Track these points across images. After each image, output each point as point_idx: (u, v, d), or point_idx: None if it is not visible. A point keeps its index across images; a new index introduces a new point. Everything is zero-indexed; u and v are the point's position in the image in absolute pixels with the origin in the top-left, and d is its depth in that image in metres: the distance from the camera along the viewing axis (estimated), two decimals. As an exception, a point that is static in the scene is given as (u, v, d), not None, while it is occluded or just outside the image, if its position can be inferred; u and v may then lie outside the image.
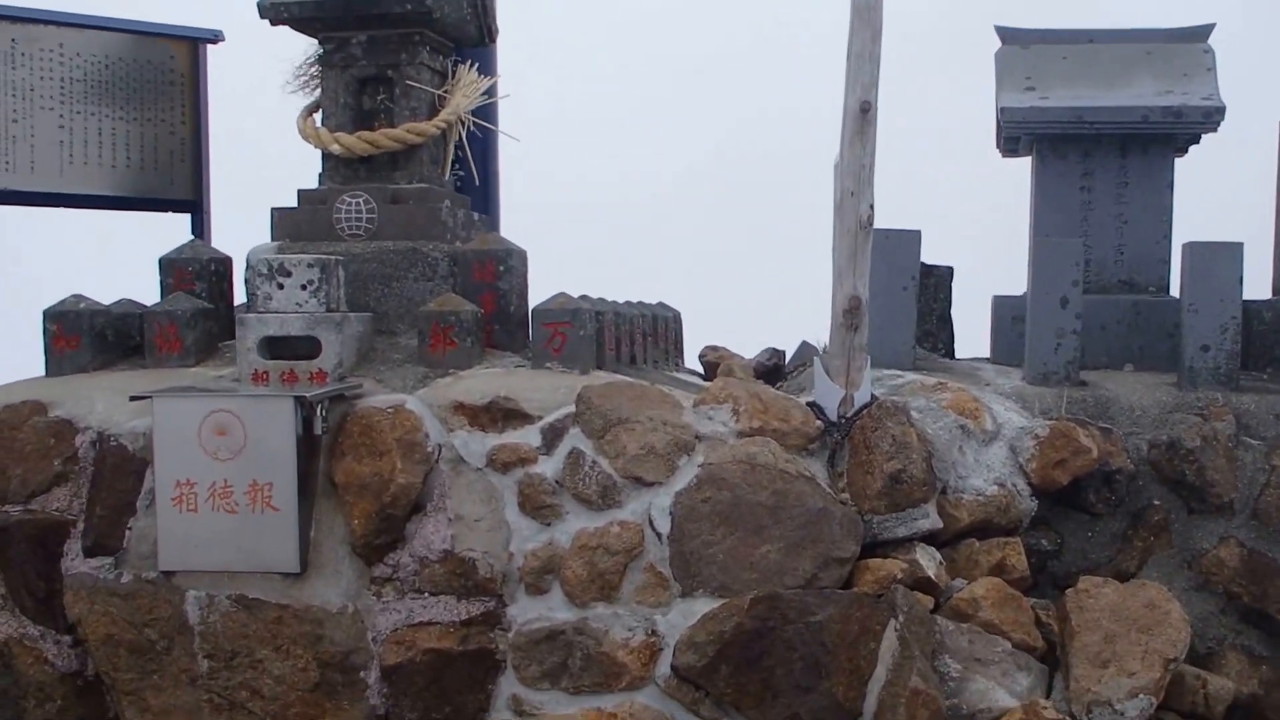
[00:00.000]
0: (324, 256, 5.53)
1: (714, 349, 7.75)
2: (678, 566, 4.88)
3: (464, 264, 5.88)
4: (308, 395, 4.86)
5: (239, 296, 6.20)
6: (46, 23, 6.98)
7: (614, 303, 6.52)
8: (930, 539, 5.20)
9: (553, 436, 5.08)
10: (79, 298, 5.78)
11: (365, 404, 5.16)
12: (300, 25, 6.39)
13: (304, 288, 5.47)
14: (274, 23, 6.34)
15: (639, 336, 6.50)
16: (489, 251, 5.86)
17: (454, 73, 6.67)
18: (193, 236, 7.37)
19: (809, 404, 5.47)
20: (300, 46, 6.53)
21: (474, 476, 5.06)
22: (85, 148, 7.11)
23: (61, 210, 7.13)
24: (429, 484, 5.02)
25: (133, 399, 4.94)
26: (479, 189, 6.99)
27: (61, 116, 7.05)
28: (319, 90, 6.65)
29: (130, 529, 5.02)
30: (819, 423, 5.36)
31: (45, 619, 5.04)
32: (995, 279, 7.53)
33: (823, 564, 4.91)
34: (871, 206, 5.42)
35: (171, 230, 7.32)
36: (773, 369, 7.11)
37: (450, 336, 5.55)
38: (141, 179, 7.28)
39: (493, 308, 5.83)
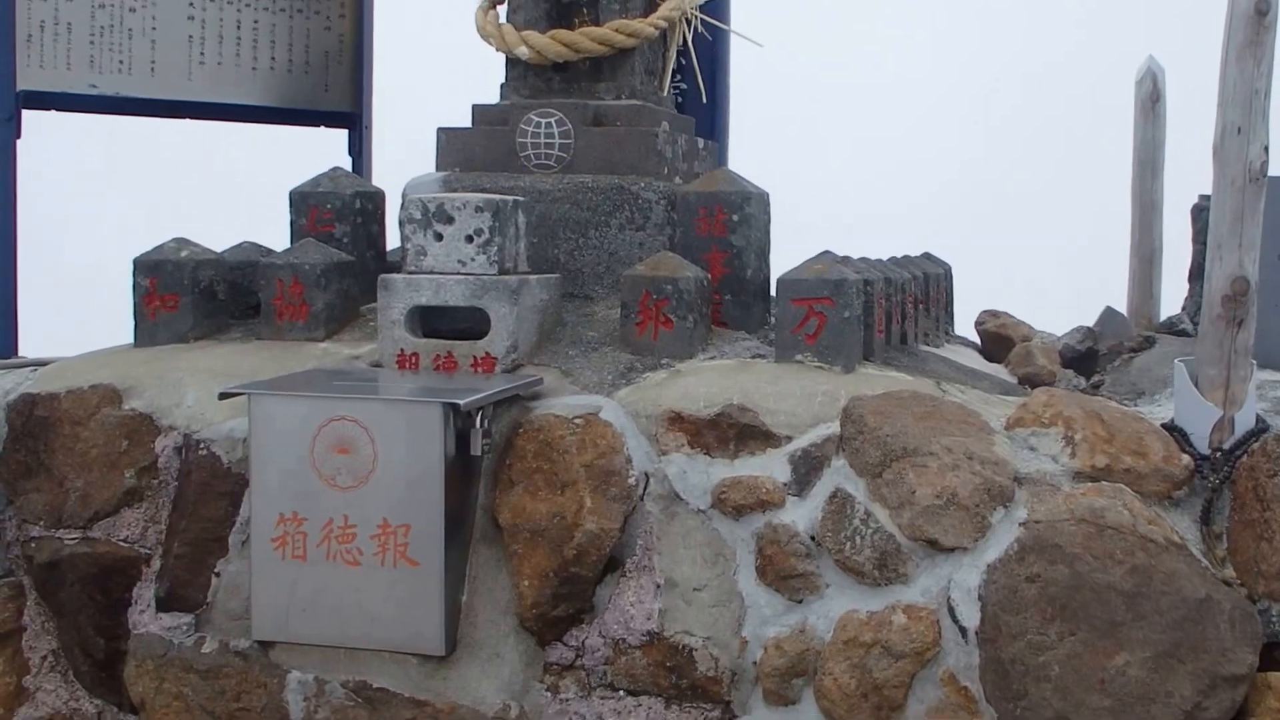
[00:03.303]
0: (497, 197, 4.05)
1: (994, 315, 6.10)
2: (991, 681, 3.30)
3: (686, 210, 4.33)
4: (461, 403, 3.38)
5: (392, 240, 4.79)
6: (173, -116, 5.59)
7: (879, 262, 4.90)
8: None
9: (807, 469, 3.52)
10: (181, 242, 4.41)
11: (544, 409, 3.68)
12: (483, -107, 4.89)
13: (470, 240, 4.00)
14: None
15: (910, 307, 4.88)
16: (719, 194, 4.30)
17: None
18: (349, 159, 5.97)
19: (1168, 428, 3.78)
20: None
21: (694, 522, 3.55)
22: (219, 45, 5.73)
23: (185, 122, 5.75)
24: (630, 531, 3.54)
25: (222, 396, 3.54)
26: (705, 108, 5.40)
27: (191, 4, 5.67)
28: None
29: (218, 575, 3.66)
30: (1185, 457, 3.68)
31: (105, 689, 3.74)
32: None
33: (1208, 686, 3.28)
34: (1266, 149, 3.69)
35: (319, 150, 5.90)
36: (1085, 355, 5.39)
37: (665, 313, 4.02)
38: (289, 85, 5.88)
39: (723, 271, 4.29)
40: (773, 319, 4.20)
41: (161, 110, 5.63)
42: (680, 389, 3.74)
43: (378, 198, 4.78)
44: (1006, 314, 6.06)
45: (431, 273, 4.02)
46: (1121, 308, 6.13)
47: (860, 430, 3.49)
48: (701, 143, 5.11)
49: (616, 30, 4.76)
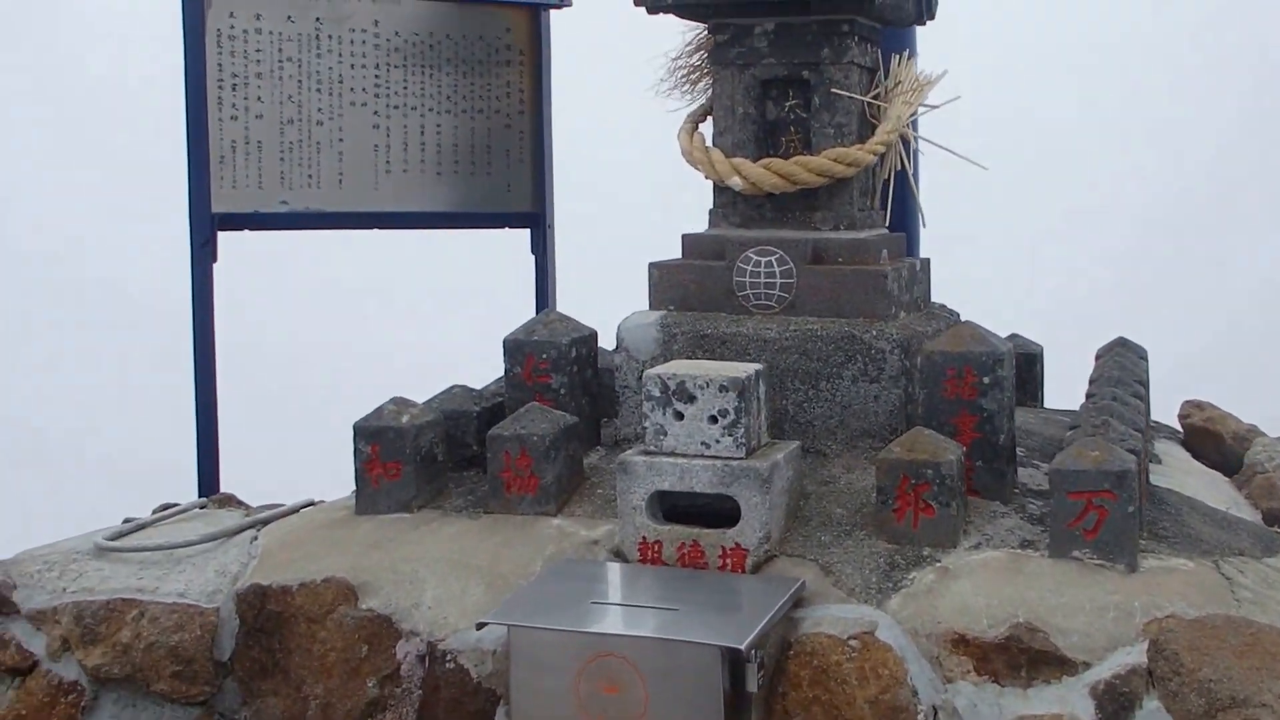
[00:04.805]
0: (741, 373, 3.82)
1: (1199, 407, 5.81)
2: None
3: (931, 370, 4.06)
4: (743, 647, 3.16)
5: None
6: (359, -6, 5.40)
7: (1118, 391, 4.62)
8: None
9: (1115, 708, 3.27)
10: (400, 405, 4.23)
11: (813, 625, 3.46)
12: (687, 12, 4.65)
13: (714, 420, 3.78)
14: (652, 11, 4.61)
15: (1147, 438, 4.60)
16: (969, 355, 4.03)
17: (884, 67, 4.81)
18: (532, 257, 5.77)
19: None
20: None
21: (987, 761, 3.31)
22: (405, 151, 5.55)
23: (368, 232, 5.58)
24: (918, 771, 3.30)
25: (479, 626, 3.36)
26: (898, 226, 5.10)
27: (376, 114, 5.49)
28: (699, 87, 4.93)
29: (473, 813, 3.49)
30: None
31: None
32: None
33: None
34: None
35: (502, 250, 5.70)
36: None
37: (925, 500, 3.77)
38: (473, 187, 5.69)
39: (973, 437, 4.02)
40: (1020, 481, 3.95)
41: (350, 222, 5.47)
42: (956, 599, 3.49)
43: (592, 341, 4.57)
44: (1211, 405, 5.76)
45: (674, 454, 3.80)
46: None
47: (1176, 670, 3.22)
48: (917, 264, 4.83)
49: (835, 160, 4.50)
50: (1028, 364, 5.40)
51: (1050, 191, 8.35)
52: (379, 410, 4.23)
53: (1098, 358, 5.64)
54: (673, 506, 3.86)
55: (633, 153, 5.87)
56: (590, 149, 6.62)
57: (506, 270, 5.30)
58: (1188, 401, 5.83)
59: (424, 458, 4.19)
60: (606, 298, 4.87)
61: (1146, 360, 5.58)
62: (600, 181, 6.74)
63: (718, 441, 3.78)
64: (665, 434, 3.82)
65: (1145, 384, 5.16)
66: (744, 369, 3.87)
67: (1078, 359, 5.30)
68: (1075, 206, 8.59)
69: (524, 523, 4.02)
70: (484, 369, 4.99)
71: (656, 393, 3.82)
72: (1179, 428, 5.71)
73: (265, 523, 4.32)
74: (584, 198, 6.21)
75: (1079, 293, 8.16)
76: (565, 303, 5.52)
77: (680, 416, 3.81)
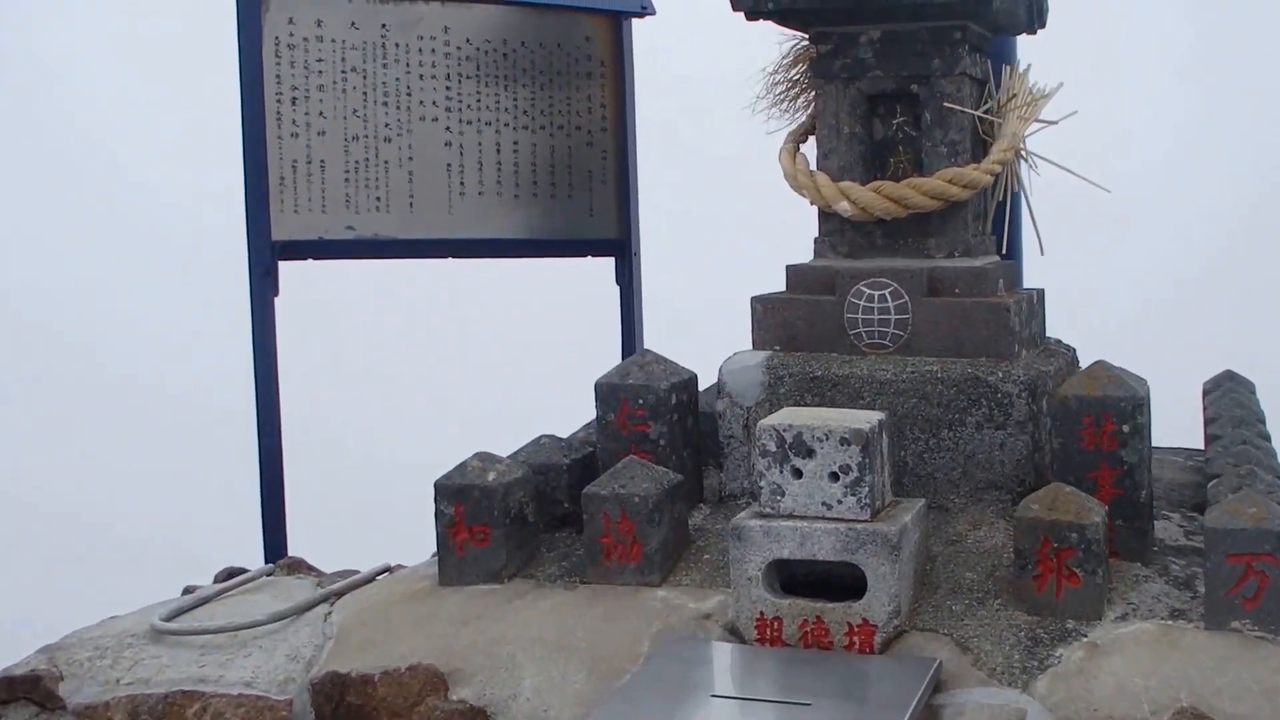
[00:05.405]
0: (865, 423, 3.50)
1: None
2: None
3: (1064, 417, 3.73)
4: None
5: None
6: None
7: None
8: None
9: (1295, 810, 2.94)
10: (486, 461, 3.92)
11: (955, 713, 3.15)
12: (788, 18, 4.32)
13: (835, 477, 3.47)
14: (751, 16, 4.28)
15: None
16: (1107, 401, 3.70)
17: (995, 79, 4.48)
18: (616, 288, 5.45)
19: None
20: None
21: None
22: (480, 171, 5.23)
23: (441, 261, 5.26)
24: None
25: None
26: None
27: (449, 129, 5.18)
28: (799, 103, 4.61)
29: None
30: None
31: None
32: None
33: None
34: None
35: (587, 277, 5.38)
36: None
37: (1069, 566, 3.45)
38: (554, 211, 5.36)
39: (1113, 493, 3.70)
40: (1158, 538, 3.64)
41: (421, 250, 5.15)
42: (1111, 680, 3.17)
43: (693, 385, 4.26)
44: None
45: (791, 516, 3.49)
46: None
47: (1370, 774, 2.89)
48: (1034, 295, 4.50)
49: (950, 181, 4.18)
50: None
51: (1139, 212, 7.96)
52: (462, 466, 3.92)
53: (1206, 393, 5.32)
54: (790, 574, 3.56)
55: (725, 174, 5.50)
56: (679, 170, 6.25)
57: (590, 301, 4.95)
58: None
59: (514, 519, 3.88)
60: (697, 332, 4.57)
61: (1256, 394, 5.28)
62: (690, 205, 6.35)
63: (840, 502, 3.47)
64: (782, 494, 3.51)
65: (1264, 421, 4.84)
66: (866, 418, 3.55)
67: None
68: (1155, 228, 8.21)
69: (626, 594, 3.70)
70: (568, 412, 4.70)
71: (772, 447, 3.51)
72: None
73: (340, 594, 3.99)
74: (673, 223, 5.83)
75: (1153, 316, 7.77)
76: (653, 337, 5.20)
77: (799, 474, 3.50)
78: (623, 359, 5.41)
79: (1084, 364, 4.05)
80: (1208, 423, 4.77)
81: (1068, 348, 4.64)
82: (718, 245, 4.36)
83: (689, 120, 6.39)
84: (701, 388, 4.31)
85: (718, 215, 5.33)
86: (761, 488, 3.53)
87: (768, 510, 3.52)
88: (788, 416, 3.56)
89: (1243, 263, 8.12)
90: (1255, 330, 7.62)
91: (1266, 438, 4.56)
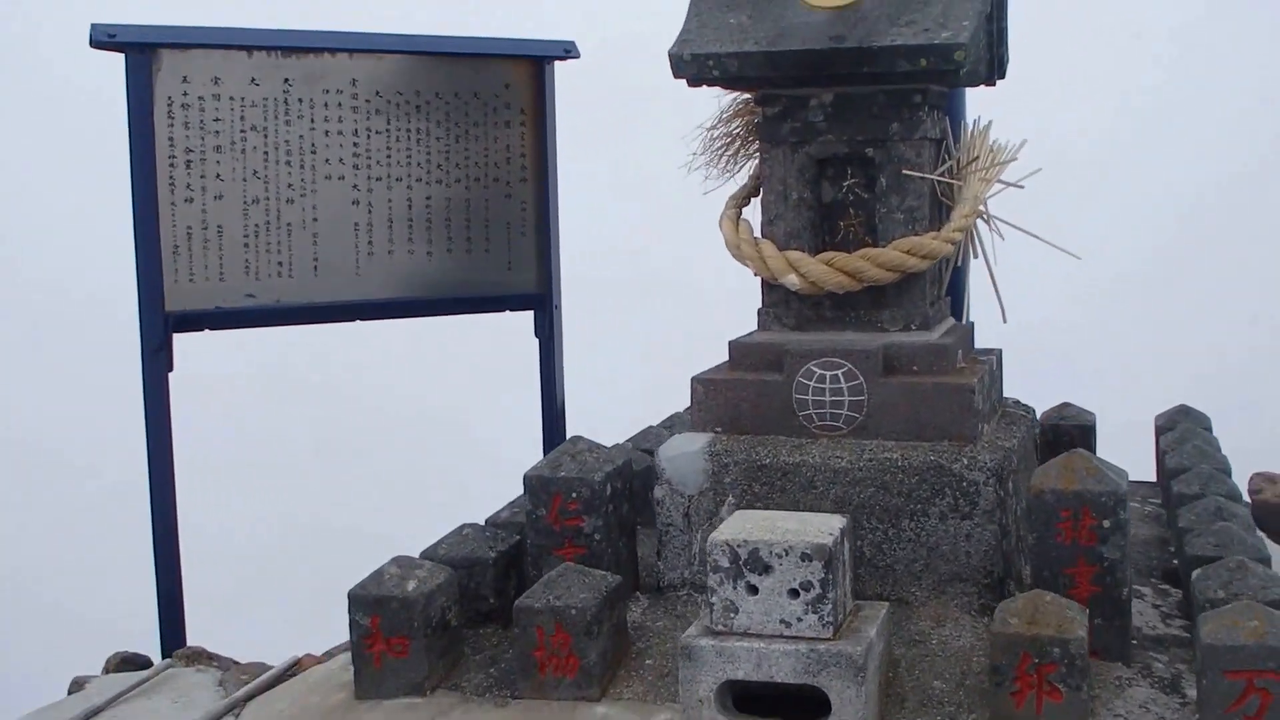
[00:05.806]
0: (829, 538, 3.19)
1: (1271, 480, 5.35)
2: None
3: (1041, 511, 3.46)
4: None
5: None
6: (335, 51, 4.69)
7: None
8: None
9: None
10: (404, 568, 3.56)
11: None
12: (734, 84, 4.00)
13: (795, 594, 3.15)
14: (694, 83, 3.95)
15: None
16: (1085, 495, 3.42)
17: (954, 133, 4.20)
18: (536, 341, 5.10)
19: None
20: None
21: None
22: (389, 229, 4.86)
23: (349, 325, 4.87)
24: None
25: None
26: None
27: (355, 187, 4.80)
28: (738, 159, 4.30)
29: None
30: None
31: None
32: None
33: None
34: None
35: (502, 331, 5.01)
36: None
37: (1050, 681, 3.16)
38: (469, 267, 5.00)
39: (1090, 590, 3.44)
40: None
41: (327, 315, 4.78)
42: (1104, 821, 2.88)
43: (628, 471, 3.94)
44: (1282, 476, 5.29)
45: (747, 635, 3.17)
46: None
47: None
48: (994, 362, 4.22)
49: (909, 252, 3.89)
50: (1082, 436, 4.81)
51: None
52: (379, 574, 3.56)
53: (1160, 430, 5.18)
54: (744, 688, 3.23)
55: (651, 224, 5.16)
56: (602, 222, 5.87)
57: (508, 358, 4.59)
58: (1259, 475, 5.38)
59: (435, 627, 3.53)
60: (620, 388, 4.23)
61: (1210, 429, 5.10)
62: (612, 258, 6.01)
63: (800, 619, 3.16)
64: (736, 610, 3.19)
65: (1229, 472, 4.64)
66: (827, 527, 3.24)
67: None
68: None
69: (563, 710, 3.38)
70: (486, 480, 4.35)
71: (725, 563, 3.19)
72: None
73: (248, 699, 3.65)
74: (594, 277, 5.49)
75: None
76: (573, 392, 4.86)
77: (754, 590, 3.18)
78: (543, 412, 5.10)
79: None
80: (1169, 472, 4.56)
81: (1026, 408, 4.40)
82: (640, 300, 4.04)
83: (616, 168, 6.05)
84: (627, 436, 3.97)
85: (641, 269, 5.01)
86: (713, 604, 3.20)
87: (720, 628, 3.20)
88: (741, 529, 3.23)
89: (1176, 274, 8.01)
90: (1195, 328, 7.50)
91: (1236, 497, 4.34)
